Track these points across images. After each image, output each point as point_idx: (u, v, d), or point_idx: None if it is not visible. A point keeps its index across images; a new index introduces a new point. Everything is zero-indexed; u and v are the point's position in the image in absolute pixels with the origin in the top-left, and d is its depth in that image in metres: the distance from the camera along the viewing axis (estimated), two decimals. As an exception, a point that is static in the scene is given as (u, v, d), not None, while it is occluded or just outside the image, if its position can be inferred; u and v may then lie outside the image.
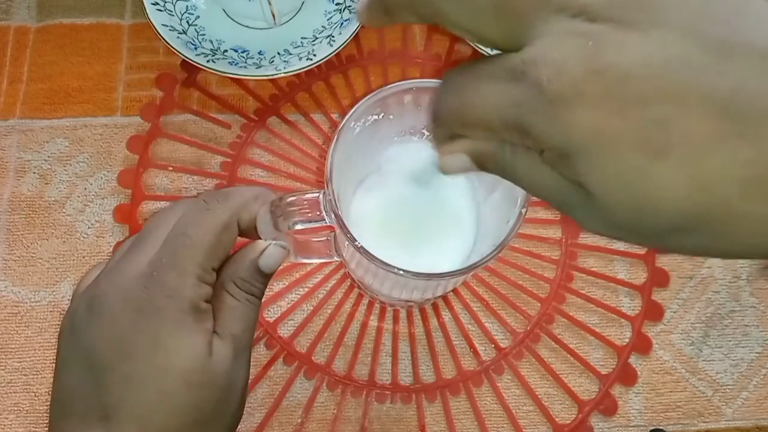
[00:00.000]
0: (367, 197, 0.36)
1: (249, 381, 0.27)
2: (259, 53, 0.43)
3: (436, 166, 0.19)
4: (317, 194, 0.28)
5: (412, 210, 0.34)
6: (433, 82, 0.30)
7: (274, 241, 0.26)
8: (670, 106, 0.14)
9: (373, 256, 0.27)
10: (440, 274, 0.28)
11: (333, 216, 0.27)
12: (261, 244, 0.26)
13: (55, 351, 0.37)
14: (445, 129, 0.18)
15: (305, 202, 0.27)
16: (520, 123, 0.15)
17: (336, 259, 0.31)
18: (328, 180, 0.28)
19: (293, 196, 0.27)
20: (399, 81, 0.46)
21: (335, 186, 0.28)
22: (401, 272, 0.28)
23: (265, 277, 0.26)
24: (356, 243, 0.27)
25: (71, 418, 0.23)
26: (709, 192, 0.14)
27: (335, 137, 0.28)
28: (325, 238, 0.30)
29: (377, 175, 0.36)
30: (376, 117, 0.31)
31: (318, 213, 0.27)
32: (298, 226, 0.27)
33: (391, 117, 0.31)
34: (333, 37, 0.42)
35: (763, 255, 0.15)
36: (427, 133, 0.34)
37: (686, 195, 0.14)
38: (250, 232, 0.26)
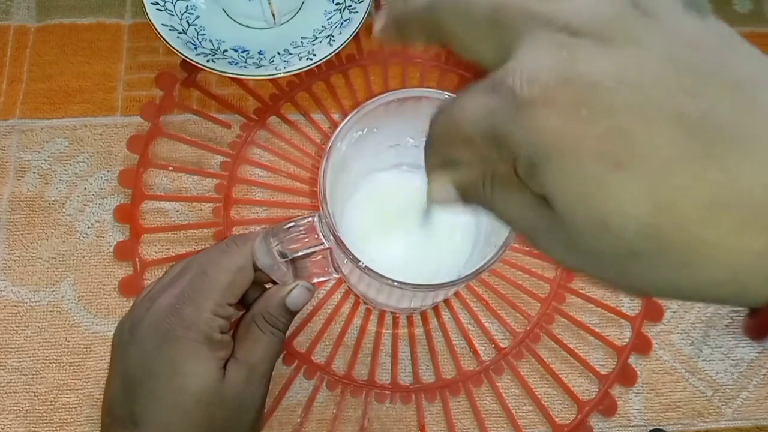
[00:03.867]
0: (360, 210, 0.36)
1: (267, 402, 0.30)
2: (259, 53, 0.43)
3: (428, 201, 0.20)
4: (312, 218, 0.28)
5: (410, 219, 0.34)
6: (415, 92, 0.30)
7: (301, 282, 0.30)
8: (636, 120, 0.14)
9: (379, 274, 0.27)
10: (443, 284, 0.28)
11: (332, 238, 0.28)
12: (290, 284, 0.30)
13: (62, 352, 0.39)
14: (436, 155, 0.19)
15: (301, 229, 0.28)
16: (494, 132, 0.15)
17: (335, 276, 0.31)
18: (323, 201, 0.28)
19: (288, 224, 0.28)
20: (400, 81, 0.46)
21: (330, 207, 0.28)
22: (407, 286, 0.28)
23: (291, 314, 0.30)
24: (360, 263, 0.27)
25: (116, 421, 0.27)
26: (671, 212, 0.14)
27: (325, 158, 0.29)
28: (320, 257, 0.31)
29: (369, 187, 0.36)
30: (360, 133, 0.31)
31: (316, 237, 0.28)
32: (300, 253, 0.28)
33: (375, 130, 0.32)
34: (333, 37, 0.42)
35: (726, 297, 0.14)
36: (411, 141, 0.34)
37: (646, 211, 0.14)
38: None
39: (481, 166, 0.17)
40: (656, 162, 0.14)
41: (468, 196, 0.18)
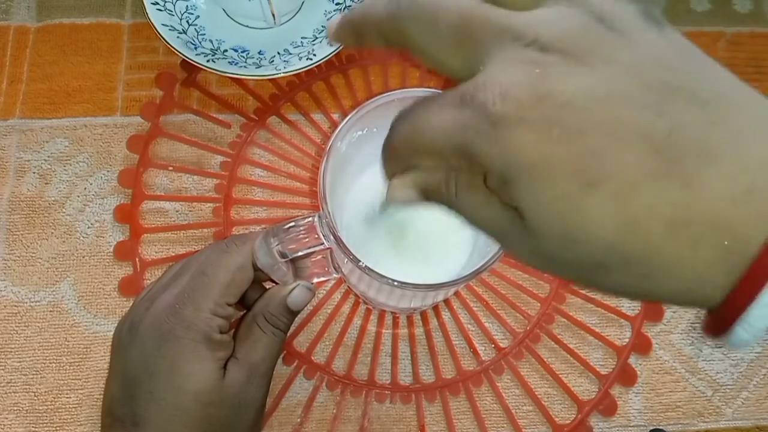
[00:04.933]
0: (358, 210, 0.36)
1: (268, 402, 0.30)
2: (259, 53, 0.43)
3: (384, 202, 0.19)
4: (312, 218, 0.28)
5: (409, 220, 0.34)
6: (416, 92, 0.30)
7: (301, 282, 0.30)
8: (606, 139, 0.14)
9: (379, 274, 0.27)
10: (443, 284, 0.28)
11: (332, 238, 0.27)
12: (290, 284, 0.30)
13: (62, 352, 0.39)
14: (396, 160, 0.18)
15: (301, 229, 0.28)
16: (465, 146, 0.16)
17: (335, 276, 0.31)
18: (323, 201, 0.28)
19: (288, 224, 0.28)
20: (400, 81, 0.46)
21: (330, 207, 0.28)
22: (407, 286, 0.28)
23: (292, 314, 0.30)
24: (360, 263, 0.27)
25: (116, 422, 0.27)
26: (634, 229, 0.14)
27: (325, 158, 0.28)
28: (320, 257, 0.31)
29: (369, 186, 0.36)
30: (360, 133, 0.31)
31: (315, 237, 0.28)
32: (300, 253, 0.28)
33: (375, 130, 0.32)
34: (335, 43, 0.42)
35: (684, 302, 0.15)
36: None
37: (613, 230, 0.14)
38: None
39: (445, 171, 0.17)
40: (622, 181, 0.14)
41: (430, 196, 0.18)
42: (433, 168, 0.18)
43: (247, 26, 0.45)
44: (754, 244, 0.14)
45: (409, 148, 0.18)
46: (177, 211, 0.41)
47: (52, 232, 0.41)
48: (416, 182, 0.18)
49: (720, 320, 0.15)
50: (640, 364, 0.40)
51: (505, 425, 0.38)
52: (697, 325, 0.41)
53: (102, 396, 0.29)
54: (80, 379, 0.38)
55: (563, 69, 0.15)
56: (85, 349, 0.38)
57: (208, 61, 0.41)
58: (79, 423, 0.37)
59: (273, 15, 0.43)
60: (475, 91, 0.15)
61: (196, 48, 0.42)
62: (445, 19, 0.16)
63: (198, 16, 0.44)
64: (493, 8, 0.16)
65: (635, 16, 0.16)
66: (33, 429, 0.37)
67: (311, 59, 0.41)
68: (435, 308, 0.40)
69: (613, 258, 0.15)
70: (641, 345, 0.40)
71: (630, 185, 0.14)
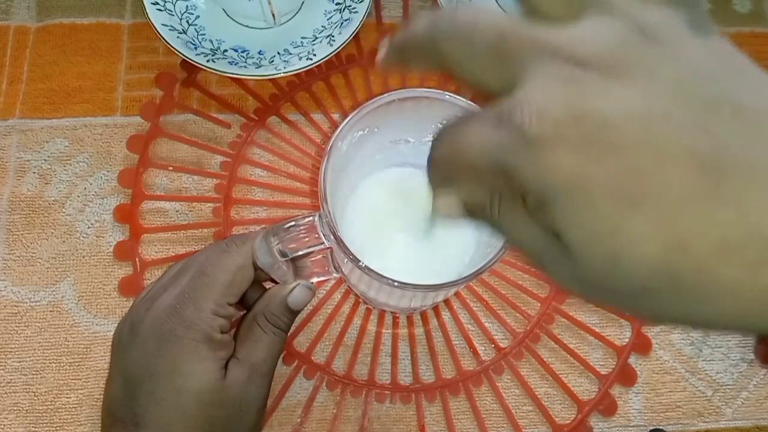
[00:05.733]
0: (360, 210, 0.36)
1: (268, 402, 0.30)
2: (259, 53, 0.43)
3: (434, 214, 0.19)
4: (312, 218, 0.28)
5: (409, 220, 0.34)
6: (416, 92, 0.30)
7: (302, 282, 0.30)
8: (648, 157, 0.14)
9: (379, 274, 0.27)
10: (443, 284, 0.28)
11: (332, 237, 0.27)
12: (291, 284, 0.30)
13: (62, 352, 0.39)
14: (439, 176, 0.18)
15: (302, 228, 0.28)
16: (503, 165, 0.15)
17: (335, 275, 0.31)
18: (323, 200, 0.28)
19: (288, 223, 0.28)
20: (400, 81, 0.46)
21: (330, 206, 0.28)
22: (407, 287, 0.27)
23: (293, 313, 0.30)
24: (360, 263, 0.27)
25: (117, 422, 0.27)
26: (684, 250, 0.14)
27: (325, 158, 0.28)
28: (321, 256, 0.31)
29: (370, 186, 0.36)
30: (362, 132, 0.31)
31: (316, 236, 0.28)
32: (300, 252, 0.28)
33: (376, 130, 0.32)
34: (333, 36, 0.42)
35: (735, 327, 0.15)
36: (412, 140, 0.34)
37: (659, 250, 0.14)
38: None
39: (488, 189, 0.17)
40: (668, 201, 0.13)
41: (474, 214, 0.18)
42: (476, 186, 0.17)
43: (247, 26, 0.45)
44: None
45: (449, 165, 0.17)
46: (177, 211, 0.41)
47: (52, 232, 0.41)
48: (461, 198, 0.18)
49: None
50: (640, 364, 0.40)
51: (505, 425, 0.38)
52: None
53: (102, 396, 0.29)
54: (80, 379, 0.38)
55: (601, 86, 0.14)
56: (85, 349, 0.38)
57: (208, 61, 0.41)
58: (79, 423, 0.37)
59: (273, 15, 0.43)
60: (512, 109, 0.15)
61: (196, 48, 0.42)
62: (483, 37, 0.16)
63: (198, 16, 0.44)
64: (530, 24, 0.16)
65: (679, 25, 0.15)
66: (33, 429, 0.37)
67: (311, 59, 0.41)
68: (435, 308, 0.40)
69: (661, 282, 0.14)
70: (641, 345, 0.40)
71: (674, 205, 0.13)
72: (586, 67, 0.15)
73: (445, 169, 0.18)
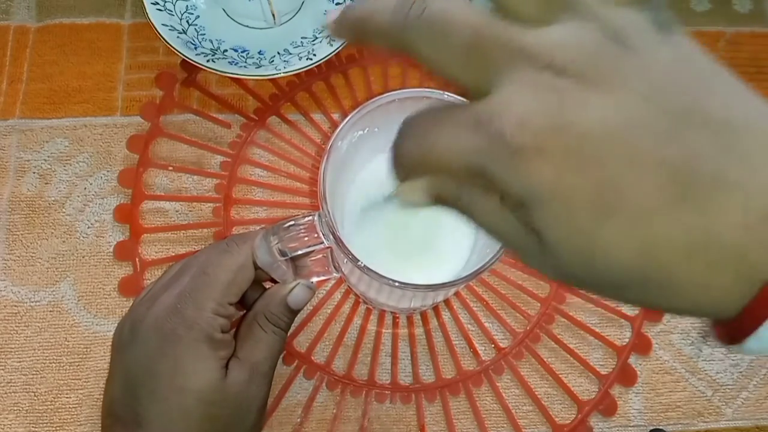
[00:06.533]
0: (359, 210, 0.36)
1: (268, 402, 0.30)
2: (259, 53, 0.43)
3: (392, 198, 0.19)
4: (312, 217, 0.28)
5: (409, 220, 0.34)
6: (414, 92, 0.30)
7: (302, 281, 0.30)
8: (623, 168, 0.14)
9: (379, 274, 0.27)
10: (443, 284, 0.28)
11: (332, 237, 0.27)
12: (291, 283, 0.30)
13: (62, 352, 0.39)
14: (405, 171, 0.18)
15: (301, 228, 0.28)
16: (482, 170, 0.16)
17: (335, 275, 0.31)
18: (323, 200, 0.28)
19: (288, 222, 0.28)
20: (400, 81, 0.46)
21: (330, 206, 0.28)
22: (407, 287, 0.27)
23: (293, 312, 0.30)
24: (359, 263, 0.27)
25: (118, 422, 0.27)
26: (653, 255, 0.15)
27: (325, 157, 0.28)
28: (321, 255, 0.31)
29: (370, 186, 0.36)
30: (361, 132, 0.31)
31: (315, 236, 0.28)
32: (299, 252, 0.28)
33: (376, 130, 0.32)
34: (333, 36, 0.42)
35: (697, 315, 0.16)
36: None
37: (631, 256, 0.15)
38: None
39: (458, 183, 0.17)
40: (639, 209, 0.14)
41: (443, 202, 0.18)
42: (446, 180, 0.18)
43: (247, 26, 0.45)
44: (766, 271, 0.14)
45: (419, 162, 0.17)
46: (177, 211, 0.41)
47: (52, 232, 0.41)
48: (428, 187, 0.18)
49: (731, 331, 0.16)
50: (640, 364, 0.40)
51: (505, 425, 0.38)
52: (699, 327, 0.41)
53: (102, 396, 0.29)
54: (80, 379, 0.38)
55: (580, 96, 0.15)
56: (85, 349, 0.38)
57: (208, 61, 0.41)
58: (79, 423, 0.37)
59: (273, 15, 0.43)
60: (491, 116, 0.15)
61: (196, 48, 0.42)
62: (457, 36, 0.16)
63: (198, 16, 0.44)
64: (506, 26, 0.16)
65: (647, 28, 0.16)
66: (33, 429, 0.37)
67: (311, 59, 0.41)
68: (435, 308, 0.40)
69: (632, 280, 0.15)
70: (641, 345, 0.40)
71: (647, 213, 0.14)
72: (563, 75, 0.15)
73: (413, 165, 0.18)
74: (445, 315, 0.40)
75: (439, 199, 0.18)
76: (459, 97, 0.29)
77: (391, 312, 0.40)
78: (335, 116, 0.44)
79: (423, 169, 0.18)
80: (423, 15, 0.16)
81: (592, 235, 0.15)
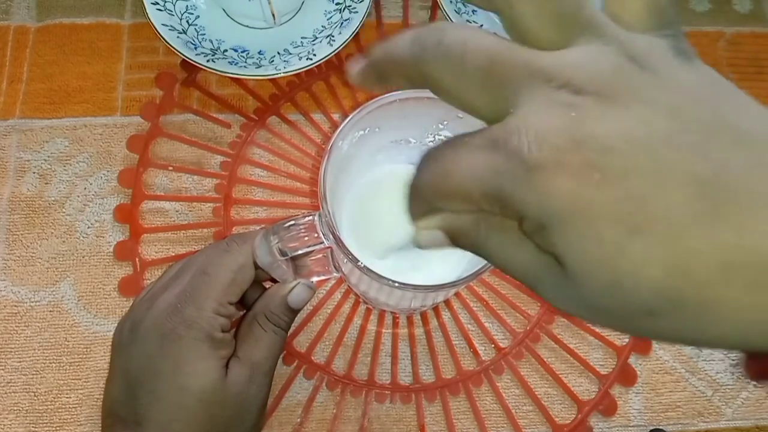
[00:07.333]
0: (359, 211, 0.36)
1: (268, 402, 0.30)
2: (259, 53, 0.43)
3: (410, 241, 0.19)
4: (312, 217, 0.28)
5: (408, 220, 0.34)
6: (415, 92, 0.30)
7: (302, 281, 0.30)
8: (648, 182, 0.14)
9: (378, 274, 0.27)
10: (443, 285, 0.28)
11: (332, 237, 0.27)
12: (291, 282, 0.30)
13: (62, 352, 0.39)
14: (422, 202, 0.18)
15: (302, 227, 0.28)
16: (499, 192, 0.15)
17: (335, 274, 0.31)
18: (323, 200, 0.28)
19: (288, 222, 0.28)
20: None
21: (330, 206, 0.28)
22: (407, 287, 0.27)
23: (293, 312, 0.30)
24: (359, 263, 0.27)
25: (118, 422, 0.27)
26: (685, 274, 0.14)
27: (326, 157, 0.28)
28: (321, 255, 0.31)
29: (370, 186, 0.36)
30: (362, 132, 0.31)
31: (315, 236, 0.28)
32: (299, 252, 0.28)
33: (377, 130, 0.32)
34: (333, 36, 0.42)
35: (735, 346, 0.15)
36: (413, 141, 0.34)
37: (661, 274, 0.14)
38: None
39: (474, 214, 0.17)
40: (669, 225, 0.14)
41: (458, 240, 0.18)
42: (461, 211, 0.17)
43: (247, 26, 0.45)
44: None
45: (436, 191, 0.17)
46: (177, 211, 0.41)
47: (52, 232, 0.41)
48: (443, 225, 0.18)
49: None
50: (640, 364, 0.40)
51: (505, 425, 0.38)
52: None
53: (102, 396, 0.29)
54: (80, 379, 0.38)
55: (599, 111, 0.14)
56: (85, 349, 0.38)
57: (208, 61, 0.41)
58: (79, 423, 0.37)
59: (273, 15, 0.43)
60: (508, 135, 0.15)
61: (196, 48, 0.42)
62: (473, 62, 0.16)
63: (198, 16, 0.44)
64: (522, 49, 0.16)
65: (666, 53, 0.15)
66: (33, 429, 0.37)
67: (311, 59, 0.41)
68: (435, 308, 0.40)
69: (663, 304, 0.14)
70: (641, 345, 0.40)
71: (677, 228, 0.14)
72: (582, 93, 0.14)
73: (430, 196, 0.17)
74: (445, 315, 0.40)
75: (455, 237, 0.18)
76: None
77: (391, 312, 0.40)
78: (335, 116, 0.44)
79: (441, 198, 0.17)
80: (440, 44, 0.16)
81: (618, 254, 0.14)
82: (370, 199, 0.36)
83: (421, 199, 0.18)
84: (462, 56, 0.16)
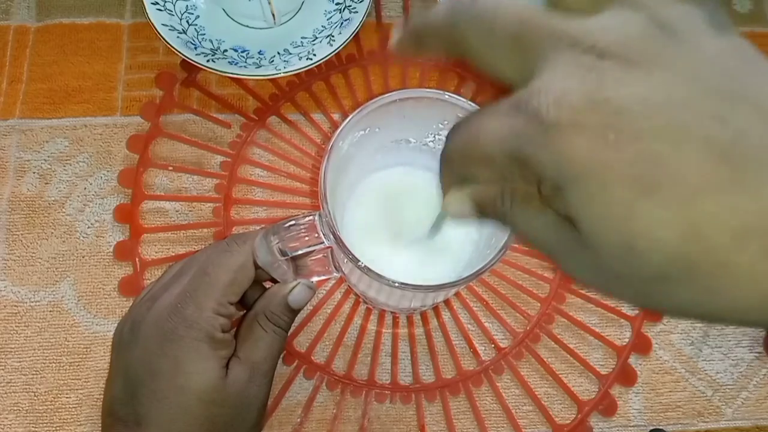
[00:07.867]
0: (360, 210, 0.35)
1: (268, 402, 0.30)
2: (259, 53, 0.43)
3: (441, 217, 0.20)
4: (313, 217, 0.28)
5: (410, 220, 0.34)
6: (417, 92, 0.30)
7: (302, 281, 0.30)
8: (665, 144, 0.14)
9: (378, 274, 0.27)
10: (443, 285, 0.28)
11: (332, 237, 0.27)
12: (291, 282, 0.30)
13: (62, 352, 0.39)
14: (452, 172, 0.18)
15: (302, 227, 0.28)
16: (519, 153, 0.15)
17: (335, 275, 0.31)
18: (324, 200, 0.28)
19: (289, 222, 0.28)
20: (400, 81, 0.46)
21: (330, 206, 0.28)
22: (407, 287, 0.27)
23: (293, 312, 0.30)
24: (359, 263, 0.27)
25: (118, 422, 0.27)
26: (700, 237, 0.14)
27: (326, 157, 0.28)
28: (321, 255, 0.31)
29: (370, 186, 0.36)
30: (362, 132, 0.31)
31: (316, 236, 0.28)
32: (300, 252, 0.28)
33: (377, 130, 0.32)
34: (333, 36, 0.42)
35: (749, 319, 0.15)
36: (413, 141, 0.34)
37: (675, 236, 0.14)
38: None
39: (500, 183, 0.17)
40: (685, 188, 0.13)
41: (485, 211, 0.18)
42: (489, 180, 0.17)
43: (247, 26, 0.45)
44: None
45: (464, 157, 0.17)
46: (177, 211, 0.41)
47: (52, 232, 0.41)
48: (472, 196, 0.18)
49: None
50: (640, 364, 0.40)
51: (505, 425, 0.38)
52: (698, 325, 0.41)
53: (102, 396, 0.29)
54: (80, 379, 0.38)
55: (619, 74, 0.14)
56: (85, 349, 0.38)
57: (208, 61, 0.41)
58: (79, 423, 0.37)
59: (273, 15, 0.43)
60: (530, 97, 0.15)
61: (196, 48, 0.42)
62: (503, 26, 0.16)
63: (198, 16, 0.44)
64: (551, 14, 0.16)
65: (699, 22, 0.15)
66: (33, 429, 0.37)
67: (311, 59, 0.41)
68: (435, 308, 0.40)
69: (677, 269, 0.14)
70: (641, 345, 0.40)
71: (692, 191, 0.13)
72: (604, 56, 0.15)
73: (459, 164, 0.18)
74: (445, 315, 0.40)
75: (483, 208, 0.18)
76: (458, 97, 0.29)
77: (391, 312, 0.40)
78: (335, 116, 0.44)
79: (468, 164, 0.18)
80: (472, 10, 0.17)
81: (631, 215, 0.14)
82: (373, 199, 0.36)
83: (451, 167, 0.18)
84: (493, 20, 0.17)
